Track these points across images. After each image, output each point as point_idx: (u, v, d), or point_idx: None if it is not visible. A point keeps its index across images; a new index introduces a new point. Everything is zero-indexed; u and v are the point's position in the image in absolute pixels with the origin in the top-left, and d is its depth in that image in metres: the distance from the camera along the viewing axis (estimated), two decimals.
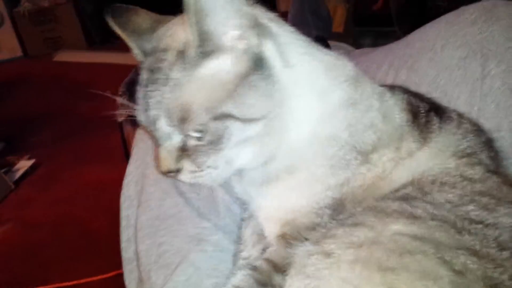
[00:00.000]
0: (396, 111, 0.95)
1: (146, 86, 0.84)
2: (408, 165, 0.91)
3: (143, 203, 1.13)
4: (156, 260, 1.03)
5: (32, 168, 3.43)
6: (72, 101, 4.19)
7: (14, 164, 3.44)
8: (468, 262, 0.69)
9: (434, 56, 1.21)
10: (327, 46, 1.87)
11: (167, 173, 0.88)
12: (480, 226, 0.76)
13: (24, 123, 4.09)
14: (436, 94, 1.13)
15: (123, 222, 1.20)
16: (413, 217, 0.77)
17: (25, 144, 3.77)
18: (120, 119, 2.31)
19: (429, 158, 0.92)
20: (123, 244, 1.18)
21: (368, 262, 0.71)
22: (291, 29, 0.92)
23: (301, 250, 0.80)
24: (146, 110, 0.84)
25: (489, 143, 0.98)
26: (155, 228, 1.08)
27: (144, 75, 0.86)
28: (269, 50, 0.85)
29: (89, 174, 3.23)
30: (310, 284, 0.73)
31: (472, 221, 0.77)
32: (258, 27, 0.83)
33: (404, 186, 0.88)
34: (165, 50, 0.84)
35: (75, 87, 4.56)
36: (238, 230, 1.08)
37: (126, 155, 2.42)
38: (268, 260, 0.91)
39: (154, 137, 0.88)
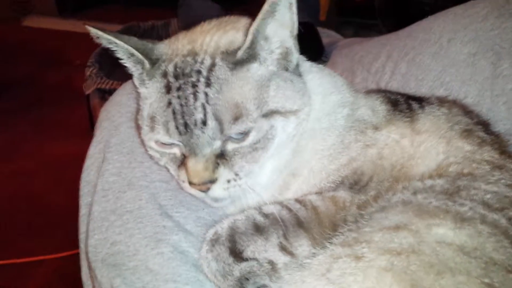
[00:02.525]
0: (378, 105, 0.99)
1: (179, 90, 0.85)
2: (419, 138, 0.90)
3: (100, 191, 1.02)
4: (104, 258, 0.92)
5: None
6: (38, 69, 4.01)
7: None
8: None
9: (439, 50, 1.14)
10: (315, 33, 1.80)
11: (200, 186, 0.86)
12: None
13: None
14: (440, 92, 1.07)
15: (83, 210, 1.07)
16: (461, 219, 0.70)
17: None
18: (87, 91, 2.20)
19: (429, 134, 0.90)
20: (81, 236, 1.06)
21: (401, 275, 0.63)
22: None
23: (326, 253, 0.73)
24: (184, 116, 0.83)
25: (482, 123, 0.95)
26: (109, 223, 0.96)
27: (168, 80, 0.86)
28: (299, 60, 0.95)
29: (51, 147, 3.08)
30: None
31: None
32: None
33: (431, 175, 0.84)
34: (194, 54, 0.88)
35: (43, 54, 4.39)
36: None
37: (92, 130, 2.30)
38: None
39: (186, 146, 0.85)
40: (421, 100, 1.00)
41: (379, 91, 1.07)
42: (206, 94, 0.83)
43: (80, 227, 1.07)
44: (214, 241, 0.83)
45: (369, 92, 1.07)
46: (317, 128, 0.95)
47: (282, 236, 0.81)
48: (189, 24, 1.02)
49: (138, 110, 0.96)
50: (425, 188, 0.79)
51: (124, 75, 1.17)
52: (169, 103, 0.85)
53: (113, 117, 1.12)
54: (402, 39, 1.28)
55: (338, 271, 0.67)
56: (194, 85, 0.85)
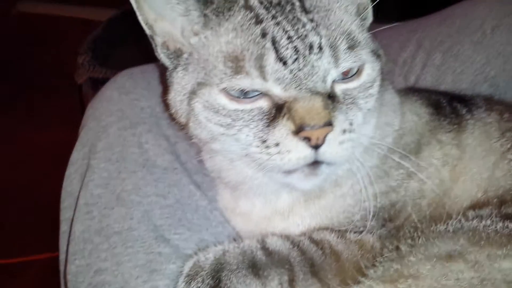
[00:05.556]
0: (418, 107, 0.89)
1: (275, 18, 0.71)
2: (461, 165, 0.80)
3: (83, 207, 0.88)
4: None
5: None
6: (31, 55, 3.90)
7: None
8: None
9: (482, 39, 1.04)
10: None
11: (319, 131, 0.68)
12: None
13: None
14: (483, 88, 0.97)
15: (63, 227, 0.95)
16: None
17: None
18: (79, 80, 2.08)
19: (477, 145, 0.81)
20: (60, 257, 0.94)
21: None
22: None
23: None
24: (293, 40, 0.69)
25: None
26: (93, 246, 0.83)
27: (256, 12, 0.72)
28: None
29: (42, 137, 2.98)
30: None
31: None
32: None
33: (477, 203, 0.74)
34: None
35: (36, 40, 4.26)
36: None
37: None
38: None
39: (290, 83, 0.69)
40: (465, 101, 0.89)
41: (415, 90, 0.95)
42: (311, 20, 0.71)
43: (60, 246, 0.94)
44: (192, 277, 0.70)
45: (405, 91, 0.95)
46: (371, 141, 0.83)
47: (286, 283, 0.70)
48: None
49: (165, 86, 0.83)
50: (472, 216, 0.68)
51: (119, 64, 1.02)
52: (264, 34, 0.70)
53: (101, 116, 0.97)
54: (434, 25, 1.17)
55: None
56: (291, 11, 0.73)
